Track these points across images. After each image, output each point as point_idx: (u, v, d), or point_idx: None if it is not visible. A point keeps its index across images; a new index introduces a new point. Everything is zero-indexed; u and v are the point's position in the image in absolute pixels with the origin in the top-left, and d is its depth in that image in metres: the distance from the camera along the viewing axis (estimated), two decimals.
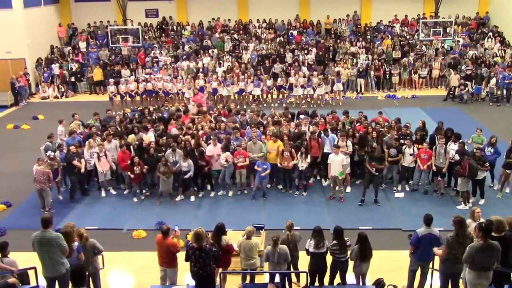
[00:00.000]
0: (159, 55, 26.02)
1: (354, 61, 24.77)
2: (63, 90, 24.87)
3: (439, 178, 12.86)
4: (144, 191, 13.28)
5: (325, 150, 13.31)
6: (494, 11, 28.37)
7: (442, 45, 26.20)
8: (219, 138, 13.53)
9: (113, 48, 26.71)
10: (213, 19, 29.07)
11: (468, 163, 11.75)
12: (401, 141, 13.11)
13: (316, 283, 8.61)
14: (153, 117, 15.87)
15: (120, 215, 12.33)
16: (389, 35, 27.27)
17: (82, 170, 12.87)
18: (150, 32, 28.62)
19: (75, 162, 12.77)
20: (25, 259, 8.55)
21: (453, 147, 12.63)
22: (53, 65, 25.44)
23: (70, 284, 6.80)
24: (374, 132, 13.60)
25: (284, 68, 23.96)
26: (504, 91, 21.94)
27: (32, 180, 12.31)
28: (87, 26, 29.11)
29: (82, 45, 27.71)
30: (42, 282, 8.00)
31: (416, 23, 27.61)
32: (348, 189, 13.32)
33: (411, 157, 12.84)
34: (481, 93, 22.46)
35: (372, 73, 24.15)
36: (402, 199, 12.76)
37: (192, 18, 29.26)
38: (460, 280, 8.17)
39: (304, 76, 22.15)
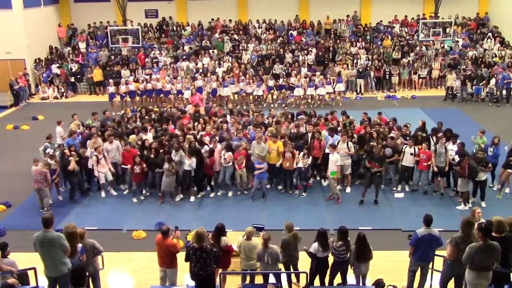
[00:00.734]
0: (158, 55, 26.03)
1: (354, 61, 24.78)
2: (62, 90, 24.87)
3: (439, 178, 12.86)
4: (144, 191, 13.28)
5: (326, 151, 13.31)
6: (494, 11, 28.38)
7: (442, 45, 26.22)
8: (222, 138, 13.52)
9: (113, 48, 26.71)
10: (212, 19, 29.08)
11: (468, 163, 11.75)
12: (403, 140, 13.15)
13: (316, 283, 8.61)
14: (152, 117, 15.85)
15: (120, 215, 12.32)
16: (389, 36, 27.30)
17: (71, 167, 12.71)
18: (149, 32, 28.63)
19: (71, 167, 12.72)
20: (25, 259, 8.55)
21: (451, 147, 12.64)
22: (52, 66, 25.43)
23: (70, 285, 6.80)
24: (374, 133, 13.60)
25: (284, 69, 23.95)
26: (504, 92, 21.95)
27: (32, 181, 12.30)
28: (87, 27, 29.11)
29: (82, 45, 27.72)
30: (42, 282, 8.00)
31: (416, 23, 27.64)
32: (348, 190, 13.32)
33: (411, 156, 12.84)
34: (480, 94, 22.46)
35: (372, 73, 24.16)
36: (402, 200, 12.76)
37: (191, 19, 29.27)
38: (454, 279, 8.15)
39: (306, 77, 22.16)
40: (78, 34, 28.73)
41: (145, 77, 22.96)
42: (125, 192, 13.55)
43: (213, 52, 26.20)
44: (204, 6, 29.04)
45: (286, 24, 28.99)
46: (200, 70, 24.10)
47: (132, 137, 13.98)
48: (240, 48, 26.66)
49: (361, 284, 8.60)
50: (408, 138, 13.25)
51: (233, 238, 9.14)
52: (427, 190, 13.11)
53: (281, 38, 27.45)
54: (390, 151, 12.91)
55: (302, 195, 13.12)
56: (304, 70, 23.49)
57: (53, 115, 19.04)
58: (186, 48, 26.74)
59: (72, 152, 12.90)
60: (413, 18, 28.54)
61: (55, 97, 24.57)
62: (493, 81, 22.20)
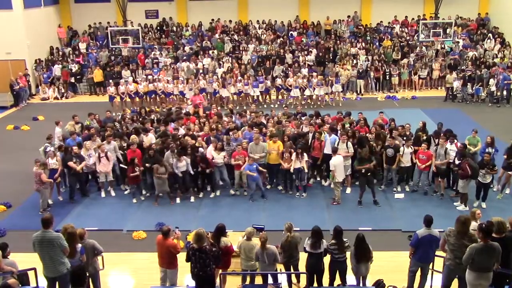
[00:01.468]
0: (159, 56, 26.04)
1: (354, 62, 24.78)
2: (63, 91, 24.88)
3: (439, 179, 12.86)
4: (144, 192, 13.27)
5: (325, 151, 13.31)
6: (494, 12, 28.38)
7: (442, 46, 26.21)
8: (219, 139, 13.52)
9: (113, 49, 26.71)
10: (213, 20, 29.08)
11: (467, 163, 11.75)
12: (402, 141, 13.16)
13: (315, 284, 8.61)
14: (153, 118, 15.85)
15: (120, 216, 12.32)
16: (389, 36, 27.30)
17: (78, 169, 12.80)
18: (150, 33, 28.62)
19: (71, 164, 12.72)
20: (25, 260, 8.54)
21: (449, 146, 12.63)
22: (54, 66, 25.44)
23: (70, 285, 6.79)
24: (373, 132, 13.64)
25: (284, 69, 23.96)
26: (504, 92, 21.95)
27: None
28: (88, 27, 29.11)
29: (82, 46, 27.72)
30: (42, 283, 8.00)
31: (416, 24, 27.63)
32: (348, 190, 13.31)
33: (410, 156, 12.84)
34: (481, 94, 22.46)
35: (372, 74, 24.16)
36: (402, 200, 12.76)
37: (192, 19, 29.27)
38: (456, 280, 8.15)
39: (304, 77, 22.16)
40: (80, 35, 28.72)
41: (145, 77, 22.95)
42: (125, 193, 13.56)
43: (213, 52, 26.22)
44: (204, 6, 29.05)
45: (286, 24, 28.99)
46: (201, 71, 24.09)
47: (133, 136, 13.96)
48: (241, 48, 26.67)
49: (361, 285, 8.59)
50: (405, 138, 13.23)
51: (233, 239, 9.14)
52: (427, 191, 13.11)
53: (281, 39, 27.45)
54: (391, 151, 12.91)
55: (302, 196, 13.11)
56: (304, 71, 23.50)
57: (53, 115, 19.02)
58: (187, 48, 26.74)
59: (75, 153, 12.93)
60: (413, 19, 28.54)
61: (56, 98, 24.58)
62: (491, 81, 22.20)
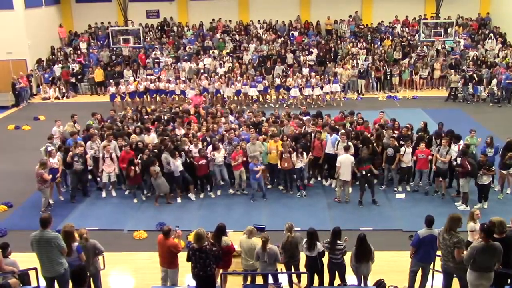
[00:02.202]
0: (160, 56, 26.05)
1: (355, 62, 24.77)
2: (64, 91, 24.90)
3: (440, 179, 12.85)
4: (145, 191, 13.28)
5: (326, 151, 13.31)
6: (495, 11, 28.35)
7: (443, 46, 26.19)
8: (218, 139, 13.51)
9: (114, 48, 26.73)
10: (214, 20, 29.09)
11: (466, 160, 11.74)
12: (401, 142, 13.12)
13: (316, 283, 8.61)
14: (156, 117, 15.85)
15: (121, 215, 12.33)
16: (390, 36, 27.28)
17: (89, 163, 12.82)
18: (151, 33, 28.64)
19: (89, 163, 12.77)
20: (26, 259, 8.53)
21: (453, 148, 12.61)
22: (55, 66, 25.45)
23: (71, 285, 6.80)
24: (373, 133, 13.63)
25: (284, 69, 23.95)
26: (504, 92, 21.91)
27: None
28: (88, 27, 29.13)
29: (83, 45, 27.74)
30: (43, 282, 8.00)
31: (417, 24, 27.61)
32: (349, 190, 13.27)
33: (410, 156, 12.83)
34: (481, 94, 22.44)
35: (373, 74, 24.14)
36: (403, 200, 12.76)
37: (193, 19, 29.28)
38: (454, 278, 8.15)
39: (303, 77, 22.15)
40: (80, 34, 28.75)
41: (146, 77, 22.97)
42: (126, 193, 13.56)
43: (213, 52, 26.22)
44: (205, 6, 29.05)
45: (287, 24, 28.98)
46: (202, 71, 24.09)
47: (133, 136, 13.96)
48: (241, 48, 26.67)
49: (362, 285, 8.59)
50: (404, 138, 13.21)
51: (234, 239, 9.14)
52: (428, 191, 13.09)
53: (282, 39, 27.45)
54: (392, 151, 12.90)
55: (303, 196, 13.10)
56: (305, 71, 23.49)
57: (54, 115, 19.00)
58: (188, 48, 26.74)
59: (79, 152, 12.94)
60: (414, 19, 28.52)
61: (56, 98, 24.60)
62: (494, 81, 22.18)
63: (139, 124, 15.02)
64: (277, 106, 21.34)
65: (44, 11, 26.93)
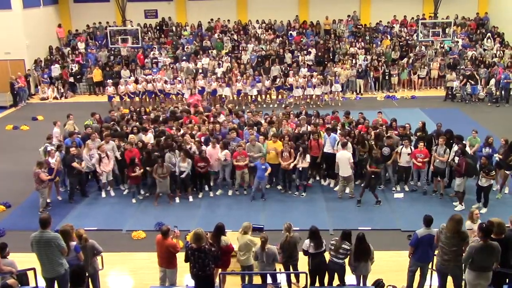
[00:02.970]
0: (158, 55, 26.04)
1: (353, 61, 24.79)
2: (62, 91, 24.87)
3: (439, 179, 12.86)
4: (143, 192, 13.27)
5: (325, 150, 13.32)
6: (493, 11, 28.40)
7: (441, 45, 26.22)
8: (218, 139, 13.53)
9: (113, 48, 26.71)
10: (212, 19, 29.07)
11: (464, 160, 11.75)
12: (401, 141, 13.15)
13: (316, 283, 8.61)
14: (154, 116, 15.84)
15: (120, 215, 12.32)
16: (388, 36, 27.30)
17: (82, 168, 12.80)
18: (149, 32, 28.62)
19: (75, 164, 12.73)
20: (25, 260, 8.53)
21: (454, 148, 12.61)
22: (53, 66, 25.42)
23: (69, 285, 6.79)
24: (372, 133, 13.62)
25: (283, 69, 23.97)
26: (503, 92, 21.94)
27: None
28: (86, 27, 29.10)
29: (81, 45, 27.72)
30: (42, 283, 7.99)
31: (415, 23, 27.64)
32: (348, 190, 13.28)
33: (409, 156, 12.84)
34: (479, 94, 22.46)
35: (371, 73, 24.17)
36: (402, 200, 12.76)
37: (191, 19, 29.27)
38: (450, 278, 8.16)
39: (304, 77, 22.17)
40: (80, 33, 28.73)
41: (144, 77, 22.97)
42: (124, 192, 13.56)
43: (212, 52, 26.21)
44: (203, 6, 29.04)
45: (285, 24, 28.99)
46: (200, 71, 24.09)
47: (131, 137, 13.96)
48: (240, 48, 26.67)
49: (361, 285, 8.59)
50: (405, 138, 13.23)
51: (233, 238, 9.14)
52: (427, 190, 13.10)
53: (280, 39, 27.46)
54: (388, 150, 12.92)
55: (302, 195, 13.11)
56: (303, 71, 23.50)
57: (52, 115, 19.02)
58: (186, 48, 26.72)
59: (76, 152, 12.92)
60: (412, 18, 28.55)
61: (55, 98, 24.58)
62: (492, 81, 22.21)
63: (136, 124, 14.99)
64: (275, 106, 21.36)
65: (42, 11, 26.89)
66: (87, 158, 13.10)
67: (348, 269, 8.56)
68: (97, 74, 24.66)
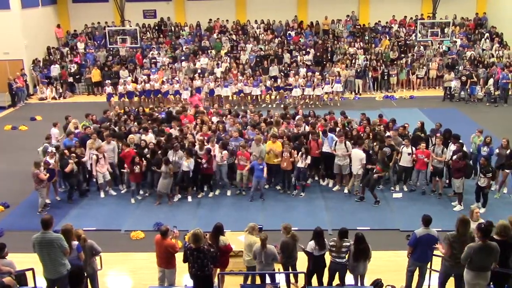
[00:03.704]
0: (157, 56, 26.02)
1: (352, 61, 24.79)
2: (60, 91, 24.84)
3: (437, 179, 12.87)
4: (141, 191, 13.26)
5: (324, 150, 13.32)
6: (492, 11, 28.42)
7: (440, 45, 26.24)
8: (219, 139, 13.51)
9: (111, 49, 26.69)
10: (211, 20, 29.07)
11: (464, 163, 11.76)
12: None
13: (315, 283, 8.62)
14: (152, 117, 15.83)
15: (118, 216, 12.31)
16: (387, 36, 27.32)
17: (67, 170, 12.58)
18: (148, 33, 28.60)
19: (68, 169, 12.58)
20: (23, 260, 8.53)
21: (452, 148, 12.63)
22: (52, 66, 25.39)
23: (68, 286, 6.79)
24: (370, 134, 13.64)
25: (282, 69, 23.97)
26: (501, 92, 21.95)
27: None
28: (85, 27, 29.08)
29: (80, 46, 27.69)
30: (40, 283, 7.98)
31: (414, 23, 27.65)
32: (346, 190, 13.29)
33: (409, 156, 12.85)
34: (477, 94, 22.49)
35: (370, 73, 24.18)
36: (400, 200, 12.77)
37: (190, 19, 29.26)
38: (452, 278, 8.16)
39: (304, 77, 22.17)
40: (78, 35, 28.71)
41: (143, 77, 22.96)
42: (123, 191, 13.55)
43: (210, 52, 26.20)
44: (202, 6, 29.02)
45: (284, 24, 28.99)
46: (199, 71, 24.09)
47: (131, 136, 13.94)
48: (239, 48, 26.66)
49: (359, 284, 8.60)
50: (405, 138, 13.24)
51: (232, 238, 9.14)
52: (426, 190, 13.10)
53: (279, 39, 27.46)
54: (388, 150, 12.93)
55: (301, 195, 13.11)
56: (302, 71, 23.50)
57: (51, 115, 19.03)
58: (185, 48, 26.72)
59: (72, 154, 12.85)
60: (411, 18, 28.56)
61: (53, 98, 24.55)
62: (491, 81, 22.24)
63: (135, 123, 14.98)
64: (274, 106, 21.35)
65: (40, 11, 26.85)
66: (87, 158, 13.08)
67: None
68: (95, 74, 24.64)
